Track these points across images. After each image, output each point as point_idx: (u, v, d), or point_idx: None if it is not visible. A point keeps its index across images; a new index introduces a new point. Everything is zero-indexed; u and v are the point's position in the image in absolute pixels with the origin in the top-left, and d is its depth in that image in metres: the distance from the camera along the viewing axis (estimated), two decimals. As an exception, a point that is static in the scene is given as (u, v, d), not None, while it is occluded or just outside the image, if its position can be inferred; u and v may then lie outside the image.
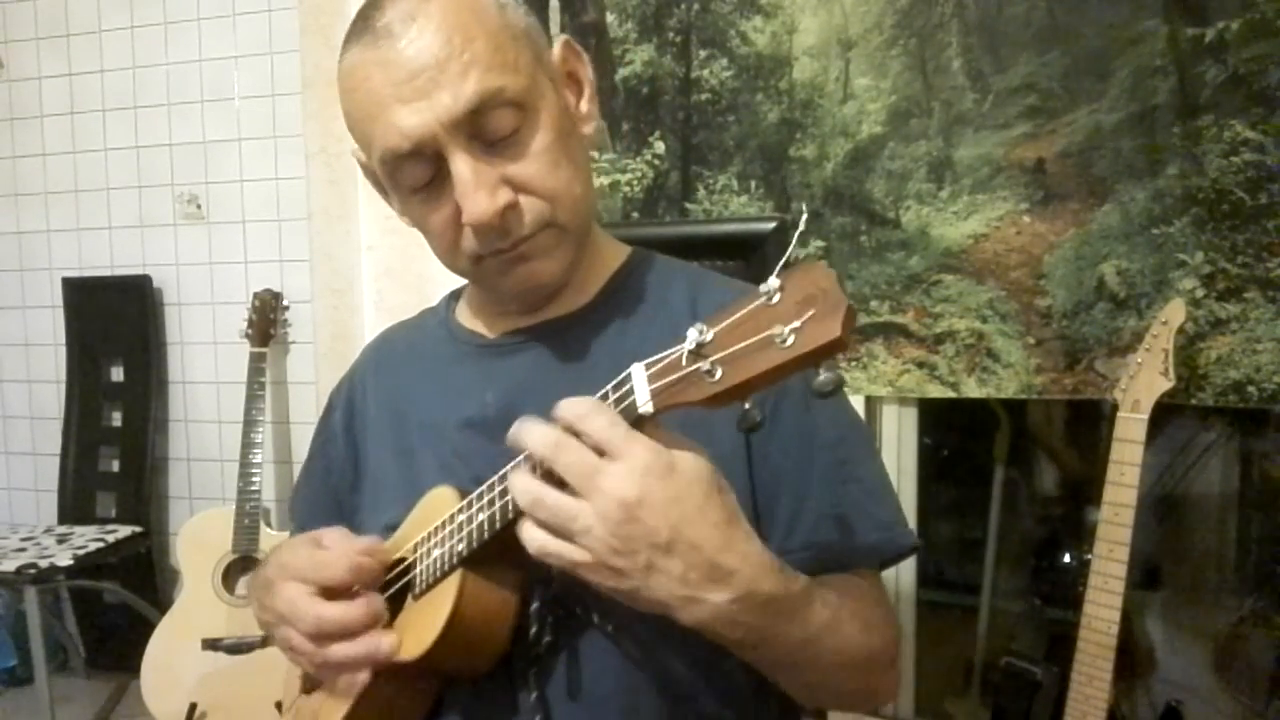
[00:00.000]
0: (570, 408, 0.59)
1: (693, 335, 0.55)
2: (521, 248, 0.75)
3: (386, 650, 0.68)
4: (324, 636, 0.70)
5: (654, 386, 0.57)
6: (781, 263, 0.53)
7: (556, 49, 0.79)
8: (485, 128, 0.71)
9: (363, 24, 0.73)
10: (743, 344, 0.53)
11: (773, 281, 0.53)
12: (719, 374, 0.54)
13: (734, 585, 0.59)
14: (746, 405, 0.55)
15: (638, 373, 0.59)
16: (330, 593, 0.71)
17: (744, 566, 0.59)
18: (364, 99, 0.72)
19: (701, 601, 0.59)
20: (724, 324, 0.54)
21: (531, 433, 0.60)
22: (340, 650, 0.69)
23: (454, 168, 0.71)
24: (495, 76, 0.70)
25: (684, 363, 0.55)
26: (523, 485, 0.60)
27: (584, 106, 0.81)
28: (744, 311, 0.53)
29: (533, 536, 0.60)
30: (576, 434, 0.58)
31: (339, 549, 0.72)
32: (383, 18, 0.71)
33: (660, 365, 0.57)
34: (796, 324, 0.50)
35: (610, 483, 0.56)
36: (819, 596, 0.66)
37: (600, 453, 0.58)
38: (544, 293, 0.81)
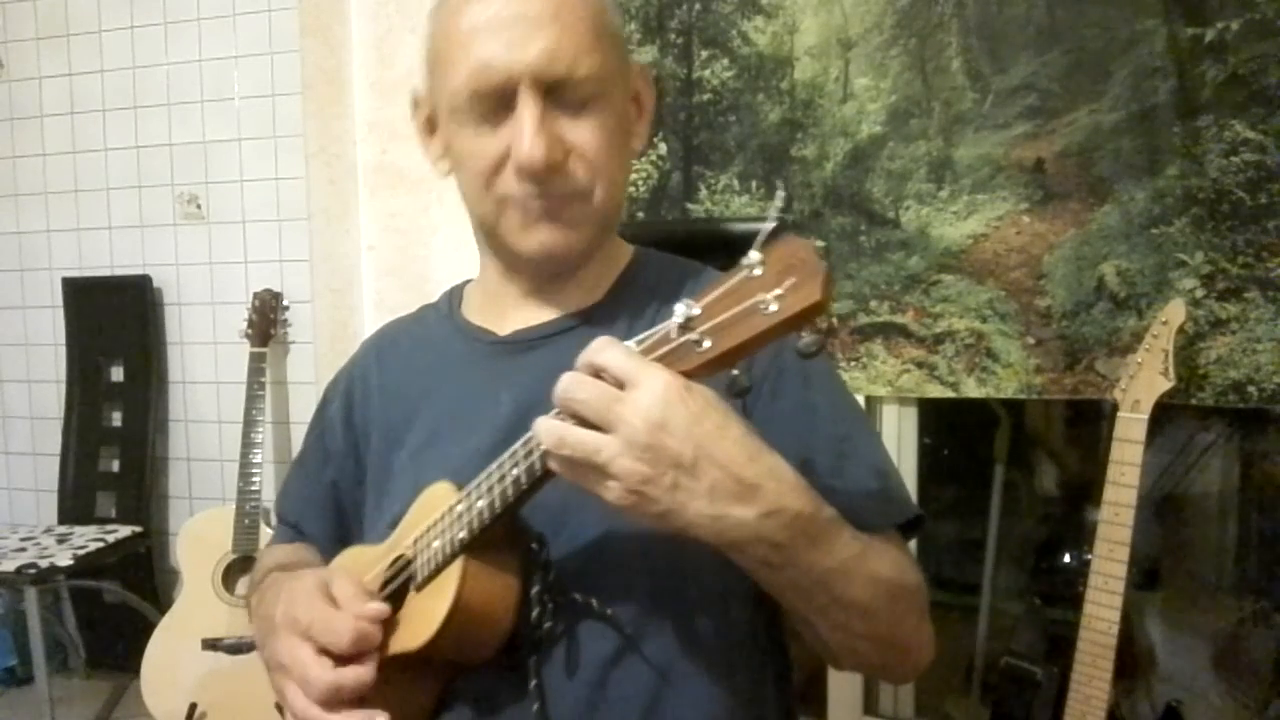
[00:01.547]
0: (591, 346, 0.60)
1: (680, 310, 0.57)
2: (552, 205, 0.78)
3: None
4: (337, 702, 0.69)
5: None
6: (760, 237, 0.56)
7: (636, 69, 0.85)
8: (562, 91, 0.75)
9: None
10: (729, 314, 0.55)
11: (754, 255, 0.55)
12: (707, 344, 0.56)
13: (761, 500, 0.60)
14: (735, 371, 0.57)
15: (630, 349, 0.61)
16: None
17: (769, 481, 0.61)
18: (462, 24, 0.76)
19: (729, 518, 0.60)
20: (710, 297, 0.56)
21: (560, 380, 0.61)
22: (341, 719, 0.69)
23: (521, 109, 0.74)
24: (587, 53, 0.75)
25: (673, 335, 0.58)
26: (546, 426, 0.61)
27: (641, 126, 0.86)
28: (729, 285, 0.56)
29: (559, 471, 0.61)
30: (597, 374, 0.59)
31: (347, 614, 0.70)
32: None
33: (651, 340, 0.60)
34: (779, 291, 0.53)
35: (631, 408, 0.57)
36: (848, 529, 0.67)
37: (619, 386, 0.59)
38: (552, 264, 0.83)
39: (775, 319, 0.53)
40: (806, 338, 0.54)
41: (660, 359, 0.58)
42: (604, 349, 0.59)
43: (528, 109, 0.74)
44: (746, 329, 0.54)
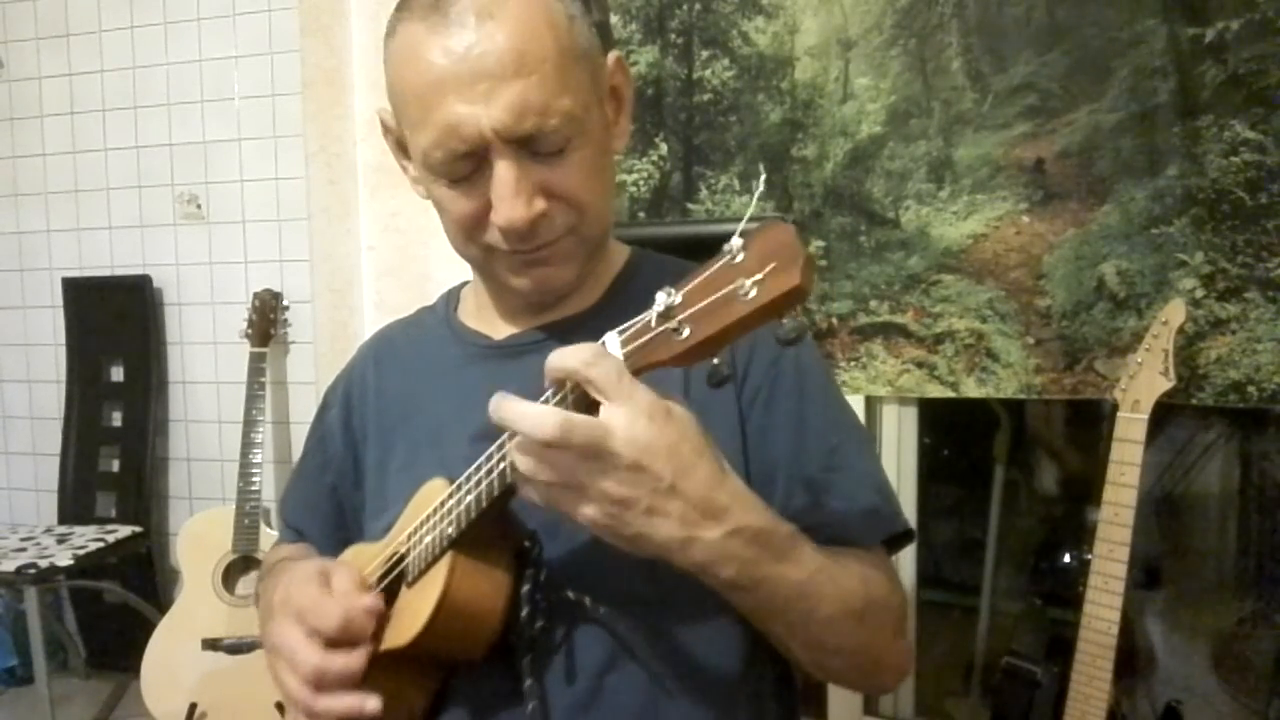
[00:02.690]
0: (576, 354, 0.58)
1: (661, 299, 0.57)
2: (542, 251, 0.77)
3: (371, 710, 0.68)
4: (324, 686, 0.69)
5: (626, 350, 0.59)
6: (743, 223, 0.55)
7: (609, 63, 0.80)
8: (535, 141, 0.72)
9: None
10: (708, 300, 0.54)
11: (735, 241, 0.54)
12: (686, 332, 0.55)
13: (727, 520, 0.61)
14: (715, 360, 0.57)
15: (611, 340, 0.60)
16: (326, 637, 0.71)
17: (734, 502, 0.62)
18: (420, 80, 0.71)
19: (698, 539, 0.60)
20: (690, 285, 0.56)
21: (526, 418, 0.59)
22: (330, 702, 0.69)
23: (497, 170, 0.72)
24: (556, 100, 0.70)
25: (653, 324, 0.57)
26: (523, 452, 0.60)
27: (621, 122, 0.83)
28: (709, 272, 0.55)
29: (532, 497, 0.61)
30: (585, 381, 0.58)
31: (341, 601, 0.71)
32: (456, 3, 0.70)
33: (632, 330, 0.59)
34: (758, 276, 0.52)
35: (616, 441, 0.57)
36: (809, 543, 0.67)
37: (598, 401, 0.58)
38: (553, 296, 0.82)
39: (754, 305, 0.52)
40: (787, 324, 0.53)
41: (640, 348, 0.58)
42: (596, 362, 0.58)
43: (503, 170, 0.71)
44: (725, 315, 0.53)
